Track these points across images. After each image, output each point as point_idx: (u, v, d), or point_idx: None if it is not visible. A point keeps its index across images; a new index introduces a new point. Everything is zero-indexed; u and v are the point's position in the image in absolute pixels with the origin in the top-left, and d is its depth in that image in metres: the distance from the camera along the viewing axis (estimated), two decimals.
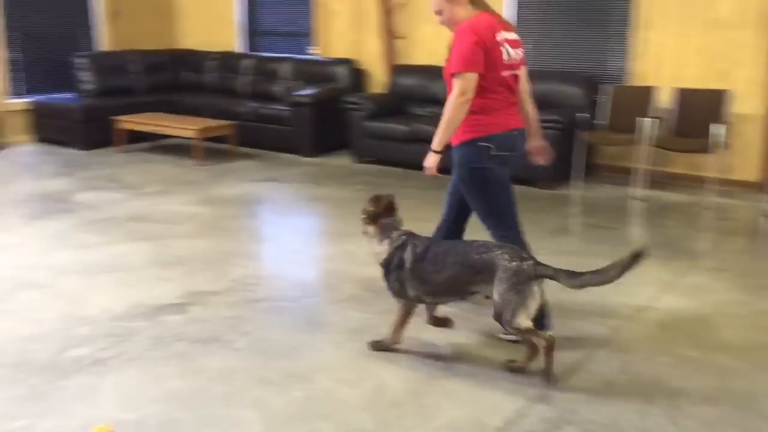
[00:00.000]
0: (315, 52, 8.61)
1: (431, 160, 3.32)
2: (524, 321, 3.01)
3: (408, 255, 3.20)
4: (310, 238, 5.16)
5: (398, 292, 3.27)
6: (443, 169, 3.35)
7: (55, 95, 8.34)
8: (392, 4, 7.81)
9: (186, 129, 7.36)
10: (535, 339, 3.06)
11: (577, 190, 6.34)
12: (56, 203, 5.86)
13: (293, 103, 7.71)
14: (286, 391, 3.02)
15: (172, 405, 2.90)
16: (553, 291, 3.28)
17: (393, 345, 3.35)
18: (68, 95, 8.35)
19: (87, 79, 8.43)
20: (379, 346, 3.36)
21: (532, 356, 3.11)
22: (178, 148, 7.84)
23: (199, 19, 9.51)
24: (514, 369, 3.16)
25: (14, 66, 8.22)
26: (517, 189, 3.54)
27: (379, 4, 7.84)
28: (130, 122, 7.59)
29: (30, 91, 8.36)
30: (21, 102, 8.20)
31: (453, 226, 3.63)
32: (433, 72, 6.37)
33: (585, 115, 6.47)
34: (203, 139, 7.39)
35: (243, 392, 3.00)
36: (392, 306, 3.36)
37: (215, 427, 2.76)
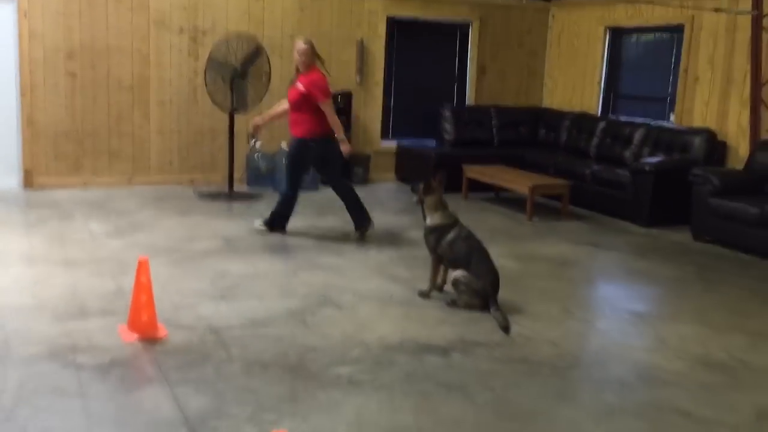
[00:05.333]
0: (673, 120, 8.18)
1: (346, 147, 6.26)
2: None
3: (454, 233, 4.72)
4: (604, 311, 4.92)
5: (432, 248, 4.78)
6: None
7: (418, 140, 9.27)
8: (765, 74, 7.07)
9: (518, 184, 7.56)
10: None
11: None
12: (390, 237, 6.52)
13: (635, 169, 7.42)
14: None
15: None
16: None
17: (432, 291, 4.84)
18: (429, 141, 9.22)
19: (448, 129, 9.20)
20: (423, 294, 4.84)
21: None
22: (515, 202, 8.08)
23: (564, 79, 9.71)
24: (452, 305, 4.69)
25: (390, 112, 9.38)
26: None
27: (751, 73, 7.16)
28: (473, 172, 8.08)
29: (399, 136, 9.42)
30: (390, 145, 9.29)
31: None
32: None
33: None
34: (538, 195, 7.52)
35: None
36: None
37: None
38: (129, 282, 4.78)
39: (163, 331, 4.05)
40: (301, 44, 6.10)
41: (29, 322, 4.14)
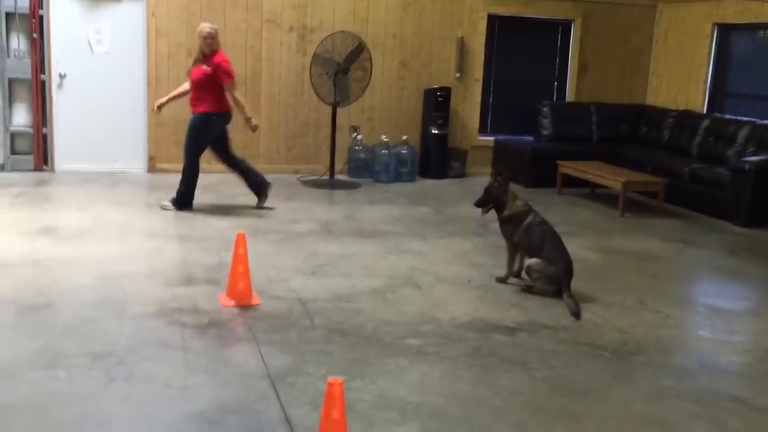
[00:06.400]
0: None
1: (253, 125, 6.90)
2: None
3: (530, 219, 4.98)
4: (679, 304, 4.98)
5: (509, 236, 5.06)
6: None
7: (515, 137, 9.42)
8: None
9: (612, 180, 7.58)
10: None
11: None
12: (476, 226, 6.76)
13: (735, 168, 7.29)
14: (550, 425, 3.20)
15: (451, 402, 3.35)
16: None
17: (509, 277, 5.10)
18: (527, 137, 9.35)
19: (546, 125, 9.29)
20: (500, 280, 5.11)
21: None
22: (610, 198, 8.07)
23: (670, 76, 9.57)
24: (527, 290, 4.96)
25: (488, 108, 9.58)
26: None
27: None
28: (567, 167, 8.16)
29: (497, 131, 9.60)
30: (487, 140, 9.49)
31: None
32: None
33: None
34: (632, 191, 7.53)
35: (515, 412, 3.29)
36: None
37: (470, 430, 3.12)
38: (231, 257, 5.29)
39: (256, 299, 4.50)
40: (206, 28, 6.52)
41: (144, 286, 4.70)
